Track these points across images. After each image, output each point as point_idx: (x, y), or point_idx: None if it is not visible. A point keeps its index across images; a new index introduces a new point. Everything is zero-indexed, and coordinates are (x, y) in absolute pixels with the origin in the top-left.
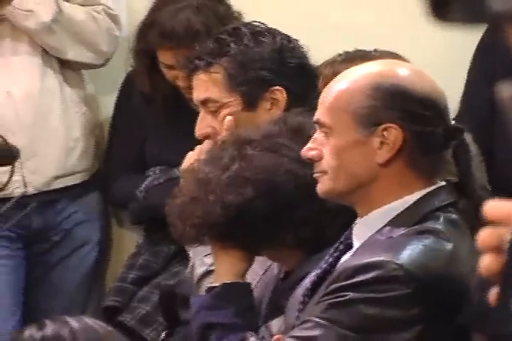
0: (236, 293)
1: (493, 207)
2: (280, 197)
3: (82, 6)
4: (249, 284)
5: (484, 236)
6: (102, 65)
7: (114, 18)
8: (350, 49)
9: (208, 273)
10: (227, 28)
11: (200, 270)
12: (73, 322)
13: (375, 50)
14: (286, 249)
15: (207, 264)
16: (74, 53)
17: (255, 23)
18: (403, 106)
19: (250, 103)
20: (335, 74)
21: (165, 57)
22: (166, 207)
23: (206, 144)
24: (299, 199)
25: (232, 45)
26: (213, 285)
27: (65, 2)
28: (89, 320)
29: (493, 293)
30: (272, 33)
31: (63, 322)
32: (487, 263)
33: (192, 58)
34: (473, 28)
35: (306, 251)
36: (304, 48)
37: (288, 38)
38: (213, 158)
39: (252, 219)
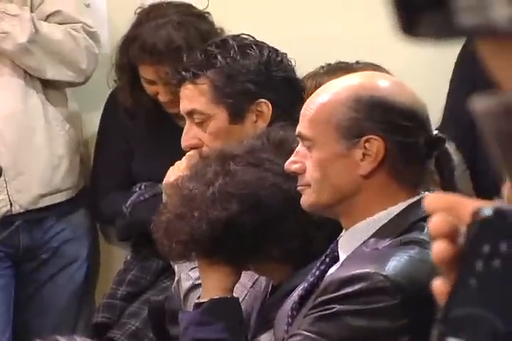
0: (224, 308)
1: (436, 198)
2: (265, 211)
3: (60, 24)
4: (237, 299)
5: (436, 222)
6: (83, 83)
7: (93, 36)
8: (332, 61)
9: (194, 287)
10: (216, 40)
11: (186, 284)
12: None
13: (357, 62)
14: (273, 263)
15: (193, 278)
16: (53, 73)
17: (243, 36)
18: (384, 118)
19: (236, 115)
20: (317, 86)
21: (146, 72)
22: (152, 224)
23: (185, 159)
24: (285, 212)
25: (219, 57)
26: (201, 300)
27: (43, 22)
28: (81, 339)
29: (438, 282)
30: (260, 46)
31: (54, 340)
32: (440, 248)
33: (179, 69)
34: (444, 43)
35: (293, 264)
36: (291, 62)
37: (276, 52)
38: (197, 173)
39: (238, 233)
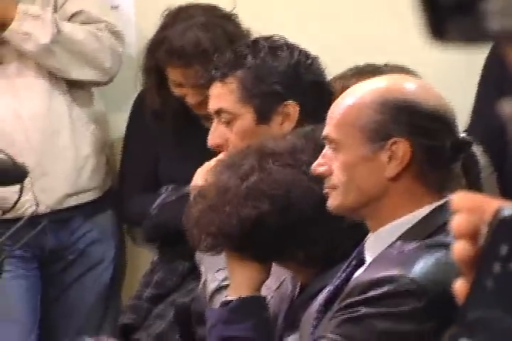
0: (253, 306)
1: (463, 197)
2: (295, 214)
3: (84, 24)
4: (264, 298)
5: (459, 222)
6: (108, 82)
7: (117, 35)
8: (361, 63)
9: (220, 288)
10: (247, 40)
11: (212, 286)
12: None
13: (385, 65)
14: (296, 265)
15: (219, 280)
16: (77, 73)
17: (275, 37)
18: (411, 121)
19: (263, 116)
20: (345, 88)
21: (174, 75)
22: (185, 214)
23: (215, 160)
24: (314, 217)
25: (248, 57)
26: (229, 298)
27: (66, 22)
28: (108, 340)
29: (459, 284)
30: (291, 48)
31: None
32: (461, 248)
33: (208, 70)
34: (472, 47)
35: (315, 268)
36: (321, 65)
37: (306, 54)
38: (234, 164)
39: (266, 232)
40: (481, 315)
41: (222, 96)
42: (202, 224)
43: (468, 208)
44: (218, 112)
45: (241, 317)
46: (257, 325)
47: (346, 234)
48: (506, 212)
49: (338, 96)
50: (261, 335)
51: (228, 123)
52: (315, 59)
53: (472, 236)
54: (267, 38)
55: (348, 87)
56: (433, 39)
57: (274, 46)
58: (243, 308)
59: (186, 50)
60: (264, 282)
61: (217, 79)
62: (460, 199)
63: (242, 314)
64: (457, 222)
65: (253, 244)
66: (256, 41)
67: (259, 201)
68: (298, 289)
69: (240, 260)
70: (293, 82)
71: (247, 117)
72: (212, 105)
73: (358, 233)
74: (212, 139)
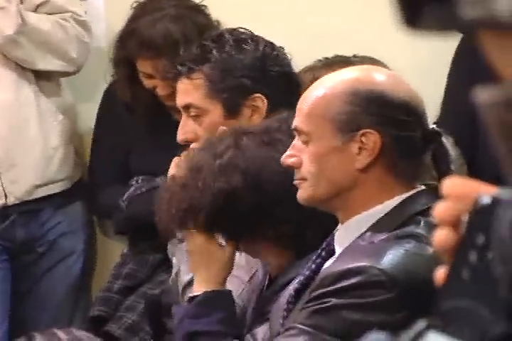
0: (219, 300)
1: (454, 182)
2: (266, 190)
3: (49, 14)
4: (230, 292)
5: (441, 209)
6: (76, 72)
7: (83, 24)
8: (330, 55)
9: (193, 280)
10: (212, 34)
11: (186, 277)
12: (62, 334)
13: (355, 56)
14: (267, 244)
15: None
16: (44, 63)
17: (240, 30)
18: (381, 112)
19: (231, 110)
20: (314, 79)
21: (144, 66)
22: (157, 203)
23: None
24: (285, 195)
25: (214, 51)
26: (194, 294)
27: (31, 13)
28: (78, 332)
29: (440, 272)
30: (256, 40)
31: (52, 334)
32: (442, 236)
33: (173, 66)
34: (446, 35)
35: (286, 249)
36: (287, 56)
37: (272, 46)
38: (209, 146)
39: (237, 208)
40: (456, 305)
41: (189, 91)
42: (172, 202)
43: (456, 195)
44: (187, 107)
45: (207, 311)
46: (224, 319)
47: (317, 216)
48: (484, 200)
49: (307, 88)
50: (228, 328)
51: (197, 117)
52: (280, 50)
53: (454, 224)
54: (232, 31)
55: (317, 79)
56: (407, 27)
57: (239, 39)
58: (209, 302)
59: (156, 42)
60: (227, 275)
61: (183, 74)
62: (450, 184)
63: (209, 308)
64: (441, 209)
65: (224, 220)
66: (221, 35)
67: (232, 176)
68: (267, 281)
69: (206, 244)
70: (260, 74)
71: (215, 112)
72: (180, 100)
73: (329, 218)
74: (182, 134)
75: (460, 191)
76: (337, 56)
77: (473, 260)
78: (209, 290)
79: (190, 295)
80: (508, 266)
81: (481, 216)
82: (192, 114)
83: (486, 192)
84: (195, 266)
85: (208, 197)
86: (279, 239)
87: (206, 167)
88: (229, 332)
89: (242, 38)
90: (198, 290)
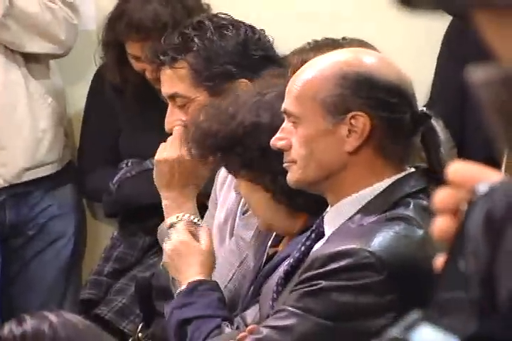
0: (203, 288)
1: (458, 168)
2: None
3: None
4: (216, 283)
5: (442, 196)
6: (65, 54)
7: (70, 6)
8: (319, 37)
9: None
10: (191, 21)
11: None
12: (52, 317)
13: (344, 38)
14: (264, 194)
15: None
16: (32, 45)
17: (220, 15)
18: (370, 94)
19: (217, 97)
20: (303, 62)
21: (133, 49)
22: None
23: (176, 135)
24: None
25: (196, 39)
26: (179, 290)
27: None
28: (68, 315)
29: (439, 260)
30: (236, 25)
31: (42, 317)
32: (442, 224)
33: (157, 53)
34: (439, 14)
35: (280, 201)
36: (269, 39)
37: (252, 30)
38: (261, 84)
39: (253, 143)
40: (451, 296)
41: (174, 81)
42: (204, 125)
43: (459, 182)
44: (172, 97)
45: (193, 299)
46: (210, 303)
47: None
48: (482, 190)
49: (296, 71)
50: (216, 311)
51: (184, 106)
52: (262, 33)
53: (455, 212)
54: (211, 17)
55: (306, 61)
56: (401, 7)
57: (220, 25)
58: (194, 290)
59: (145, 24)
60: (212, 270)
61: (166, 64)
62: (454, 170)
63: (194, 296)
64: (442, 196)
65: (237, 150)
66: (200, 22)
67: (263, 111)
68: (264, 259)
69: (181, 244)
70: (243, 59)
71: (201, 99)
72: (166, 90)
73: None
74: (169, 123)
75: (463, 177)
76: (326, 39)
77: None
78: (192, 280)
79: (178, 291)
80: (478, 264)
81: (478, 206)
82: (179, 103)
83: (485, 181)
84: (173, 271)
85: (234, 124)
86: (273, 185)
87: (244, 97)
88: (217, 314)
89: (222, 24)
90: (182, 283)
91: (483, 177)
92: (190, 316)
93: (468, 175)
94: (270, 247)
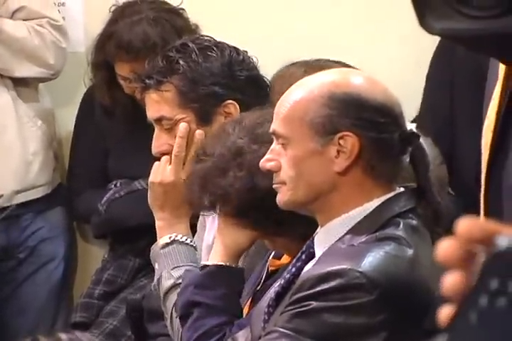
0: (226, 276)
1: (470, 224)
2: None
3: (25, 20)
4: (242, 269)
5: (446, 247)
6: (54, 78)
7: (59, 30)
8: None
9: (175, 286)
10: (175, 44)
11: (167, 283)
12: (64, 336)
13: (327, 60)
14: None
15: (174, 277)
16: (21, 70)
17: (203, 37)
18: (358, 114)
19: (204, 118)
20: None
21: (122, 70)
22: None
23: (175, 157)
24: None
25: (181, 61)
26: (207, 263)
27: (7, 19)
28: (79, 333)
29: (445, 311)
30: (220, 46)
31: (55, 336)
32: (452, 280)
33: (142, 77)
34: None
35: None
36: (253, 59)
37: (236, 51)
38: (252, 128)
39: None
40: None
41: (160, 104)
42: (206, 182)
43: (469, 236)
44: (159, 120)
45: (213, 284)
46: (225, 295)
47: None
48: (502, 244)
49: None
50: (227, 306)
51: (170, 129)
52: (245, 53)
53: (461, 265)
54: (194, 40)
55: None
56: (423, 28)
57: (204, 47)
58: (217, 276)
59: (135, 44)
60: (243, 252)
61: (152, 87)
62: (463, 226)
63: (215, 281)
64: (447, 248)
65: (256, 212)
66: (184, 44)
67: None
68: (264, 274)
69: (231, 226)
70: (229, 80)
71: (188, 121)
72: (152, 114)
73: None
74: (156, 147)
75: (474, 233)
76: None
77: (484, 304)
78: (221, 263)
79: (204, 263)
80: None
81: (498, 260)
82: (166, 126)
83: (504, 235)
84: (218, 233)
85: (247, 188)
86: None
87: (249, 154)
88: (227, 309)
89: (206, 46)
90: (212, 259)
91: (495, 232)
92: (202, 301)
93: (479, 231)
94: (273, 258)
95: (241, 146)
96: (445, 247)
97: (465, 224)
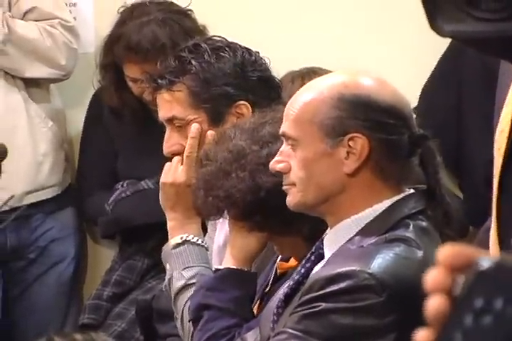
0: (238, 279)
1: (449, 252)
2: None
3: (37, 21)
4: (254, 274)
5: (434, 277)
6: (65, 78)
7: (71, 31)
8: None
9: (186, 286)
10: (188, 44)
11: (178, 283)
12: (78, 336)
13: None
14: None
15: (185, 278)
16: (32, 71)
17: (215, 38)
18: (368, 116)
19: (216, 119)
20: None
21: (131, 71)
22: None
23: (187, 159)
24: None
25: (193, 62)
26: (219, 267)
27: (18, 20)
28: (94, 335)
29: (422, 334)
30: (232, 47)
31: (69, 335)
32: (435, 304)
33: (154, 77)
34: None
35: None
36: (264, 60)
37: (248, 52)
38: (254, 131)
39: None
40: None
41: (172, 104)
42: (210, 186)
43: (451, 264)
44: (170, 120)
45: (224, 287)
46: (237, 298)
47: None
48: (485, 264)
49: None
50: (238, 309)
51: (181, 128)
52: (257, 54)
53: (447, 292)
54: (207, 40)
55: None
56: (435, 31)
57: (216, 47)
58: (229, 279)
59: (144, 46)
60: (257, 255)
61: (164, 87)
62: (445, 253)
63: (226, 284)
64: (433, 277)
65: (261, 214)
66: (196, 44)
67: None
68: (272, 276)
69: (242, 229)
70: (241, 81)
71: (200, 122)
72: (163, 114)
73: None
74: (167, 147)
75: (455, 260)
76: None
77: (469, 323)
78: (233, 267)
79: (216, 267)
80: None
81: (481, 280)
82: (177, 125)
83: (484, 257)
84: (231, 239)
85: (249, 189)
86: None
87: (251, 156)
88: (238, 312)
89: (218, 46)
90: (225, 263)
91: (475, 257)
92: (213, 304)
93: (460, 258)
94: (281, 261)
95: (242, 148)
96: (433, 277)
97: (445, 253)
